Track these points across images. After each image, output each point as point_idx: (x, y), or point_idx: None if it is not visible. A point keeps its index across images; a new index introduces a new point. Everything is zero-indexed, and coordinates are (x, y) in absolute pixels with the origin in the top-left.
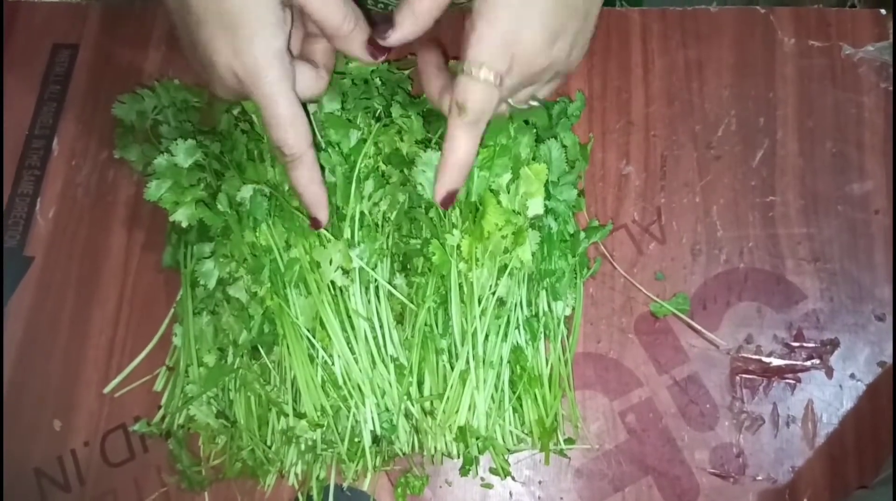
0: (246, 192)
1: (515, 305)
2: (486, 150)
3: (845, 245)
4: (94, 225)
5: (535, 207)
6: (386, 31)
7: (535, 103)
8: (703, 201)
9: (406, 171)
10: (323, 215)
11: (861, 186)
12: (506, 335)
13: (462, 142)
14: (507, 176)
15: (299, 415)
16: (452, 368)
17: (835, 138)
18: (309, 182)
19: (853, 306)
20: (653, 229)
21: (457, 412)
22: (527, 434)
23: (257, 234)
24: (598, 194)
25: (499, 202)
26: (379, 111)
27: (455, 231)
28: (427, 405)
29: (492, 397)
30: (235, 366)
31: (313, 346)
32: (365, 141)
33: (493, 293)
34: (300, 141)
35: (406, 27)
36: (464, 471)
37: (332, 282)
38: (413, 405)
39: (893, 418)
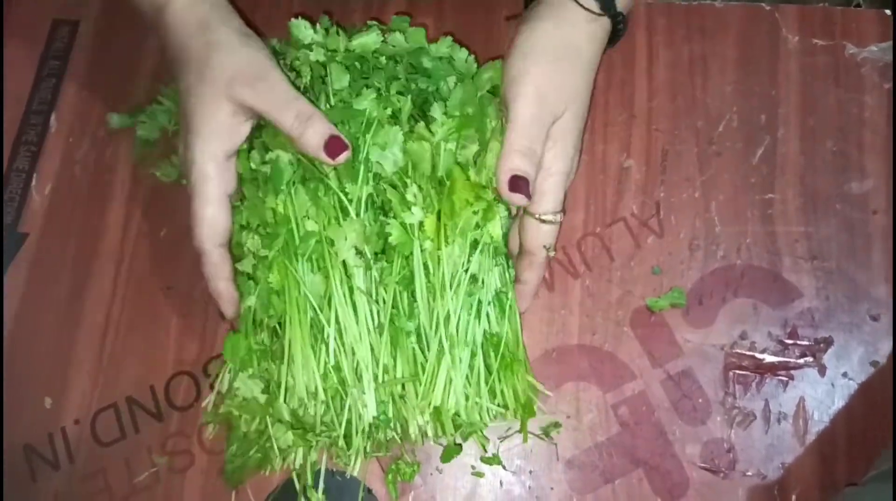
0: (274, 155)
1: (484, 281)
2: (452, 120)
3: (843, 244)
4: (91, 202)
5: None
6: (529, 190)
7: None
8: (703, 196)
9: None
10: (229, 311)
11: (860, 186)
12: (478, 312)
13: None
14: (474, 148)
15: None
16: (422, 350)
17: (836, 138)
18: (213, 277)
19: (849, 305)
20: (651, 224)
21: (432, 391)
22: (501, 407)
23: (279, 201)
24: (598, 187)
25: (468, 178)
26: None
27: (414, 209)
28: (398, 388)
29: (467, 376)
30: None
31: (319, 324)
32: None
33: (467, 271)
34: (209, 240)
35: (532, 176)
36: (445, 457)
37: (344, 262)
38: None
39: (894, 413)
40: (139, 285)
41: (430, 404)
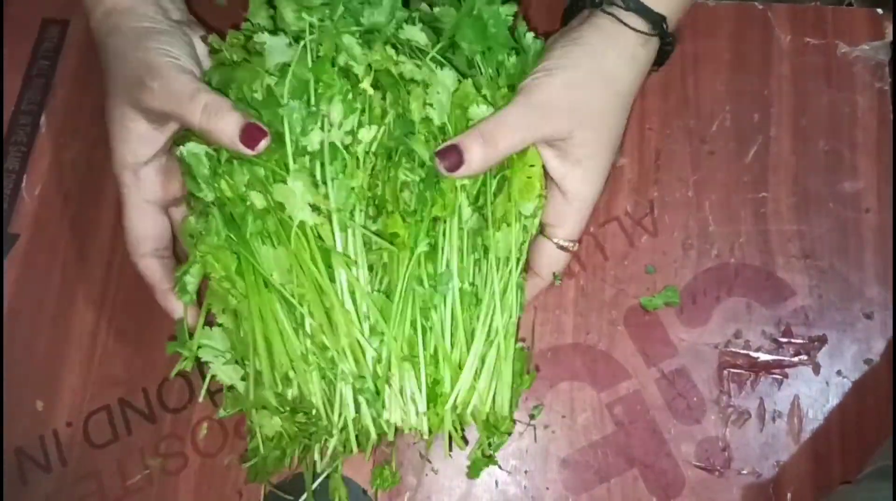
0: (180, 151)
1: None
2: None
3: (835, 243)
4: (82, 203)
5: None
6: (455, 164)
7: None
8: (696, 195)
9: (400, 94)
10: (175, 313)
11: (852, 185)
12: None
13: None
14: None
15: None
16: (430, 330)
17: (828, 137)
18: (152, 290)
19: (842, 303)
20: (645, 223)
21: (475, 388)
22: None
23: (218, 186)
24: None
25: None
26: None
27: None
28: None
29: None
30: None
31: (288, 303)
32: (320, 58)
33: (518, 260)
34: (133, 251)
35: (476, 161)
36: (473, 472)
37: (303, 224)
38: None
39: (894, 412)
40: (130, 286)
41: (479, 402)
